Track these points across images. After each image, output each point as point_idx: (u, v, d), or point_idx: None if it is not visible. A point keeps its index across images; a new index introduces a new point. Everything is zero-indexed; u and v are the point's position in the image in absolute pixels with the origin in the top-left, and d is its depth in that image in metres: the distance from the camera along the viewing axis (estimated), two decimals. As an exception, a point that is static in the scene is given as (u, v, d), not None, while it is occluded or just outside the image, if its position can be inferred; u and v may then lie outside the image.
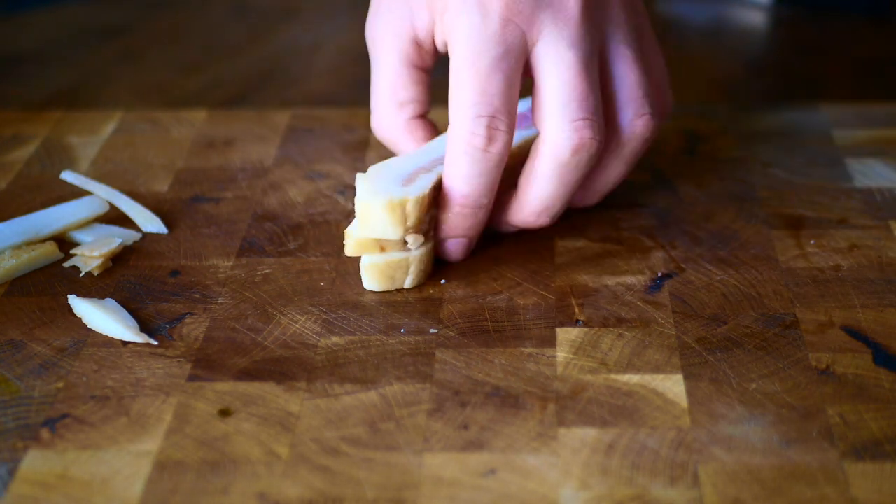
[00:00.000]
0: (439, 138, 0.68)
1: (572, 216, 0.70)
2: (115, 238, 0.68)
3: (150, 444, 0.54)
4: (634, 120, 0.65)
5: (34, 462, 0.53)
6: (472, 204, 0.64)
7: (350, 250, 0.63)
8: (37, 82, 0.94)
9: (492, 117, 0.62)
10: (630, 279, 0.65)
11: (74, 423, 0.55)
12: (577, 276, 0.65)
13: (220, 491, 0.51)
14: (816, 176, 0.75)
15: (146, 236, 0.70)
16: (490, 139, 0.62)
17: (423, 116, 0.69)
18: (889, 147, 0.78)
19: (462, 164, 0.63)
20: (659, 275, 0.65)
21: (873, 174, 0.75)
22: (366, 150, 0.79)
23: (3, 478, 0.52)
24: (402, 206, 0.61)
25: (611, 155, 0.66)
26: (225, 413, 0.56)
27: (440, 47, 0.67)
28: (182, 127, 0.83)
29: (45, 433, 0.55)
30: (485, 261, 0.67)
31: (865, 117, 0.82)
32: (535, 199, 0.65)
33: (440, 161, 0.65)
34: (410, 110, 0.69)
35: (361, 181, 0.63)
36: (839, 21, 1.04)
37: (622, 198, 0.73)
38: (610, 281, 0.65)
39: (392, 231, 0.62)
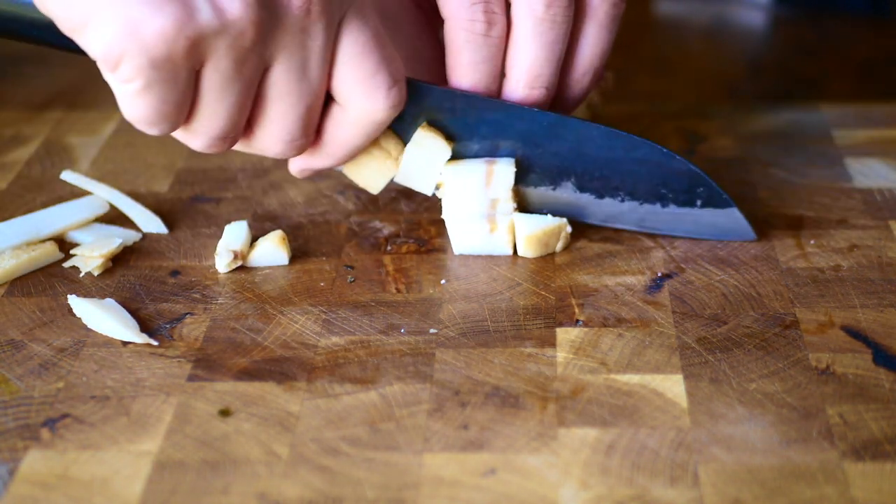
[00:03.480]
0: None
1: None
2: (115, 238, 0.68)
3: (150, 444, 0.54)
4: None
5: (34, 462, 0.53)
6: (481, 92, 0.65)
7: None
8: (37, 82, 0.94)
9: (486, 2, 0.63)
10: (630, 279, 0.65)
11: (74, 423, 0.55)
12: (577, 276, 0.65)
13: (220, 491, 0.51)
14: (816, 176, 0.75)
15: (146, 236, 0.70)
16: (489, 23, 0.63)
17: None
18: (889, 147, 0.78)
19: (467, 53, 0.64)
20: (659, 275, 0.65)
21: (873, 174, 0.75)
22: (366, 150, 0.79)
23: (3, 478, 0.52)
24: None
25: (586, 20, 0.66)
26: (225, 413, 0.56)
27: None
28: (182, 127, 0.83)
29: (45, 433, 0.55)
30: (485, 261, 0.67)
31: (865, 117, 0.82)
32: (524, 69, 0.65)
33: None
34: (438, 69, 0.68)
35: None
36: (839, 21, 1.04)
37: (622, 198, 0.73)
38: (610, 281, 0.65)
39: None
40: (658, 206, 0.66)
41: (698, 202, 0.66)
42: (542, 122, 0.65)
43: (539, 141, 0.65)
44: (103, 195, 0.71)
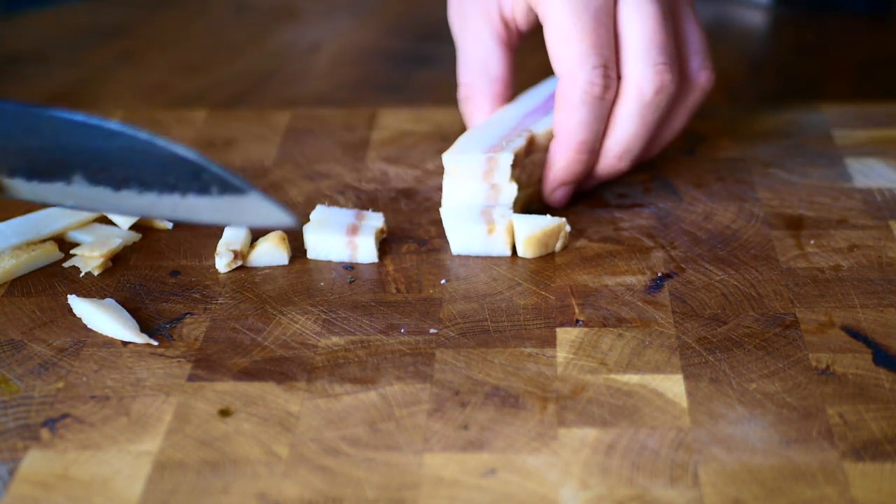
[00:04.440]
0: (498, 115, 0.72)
1: (572, 217, 0.70)
2: (115, 238, 0.68)
3: (150, 444, 0.54)
4: (699, 71, 0.71)
5: (34, 462, 0.53)
6: (589, 149, 0.69)
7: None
8: (37, 82, 0.94)
9: (605, 66, 0.67)
10: (630, 279, 0.65)
11: (74, 423, 0.55)
12: (577, 276, 0.65)
13: (220, 491, 0.51)
14: (816, 176, 0.75)
15: (146, 236, 0.70)
16: (606, 87, 0.67)
17: (508, 99, 0.73)
18: (889, 147, 0.78)
19: (581, 113, 0.67)
20: (659, 275, 0.65)
21: (873, 174, 0.75)
22: (366, 150, 0.79)
23: (3, 478, 0.52)
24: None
25: (677, 103, 0.71)
26: (225, 413, 0.56)
27: (521, 25, 0.71)
28: (182, 127, 0.83)
29: (45, 433, 0.55)
30: (484, 261, 0.67)
31: (865, 117, 0.82)
32: (619, 142, 0.69)
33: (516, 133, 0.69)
34: (501, 88, 0.72)
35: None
36: (839, 21, 1.04)
37: (622, 198, 0.73)
38: (610, 281, 0.65)
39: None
40: (177, 196, 0.58)
41: (213, 189, 0.57)
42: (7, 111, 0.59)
43: (17, 137, 0.59)
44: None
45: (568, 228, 0.67)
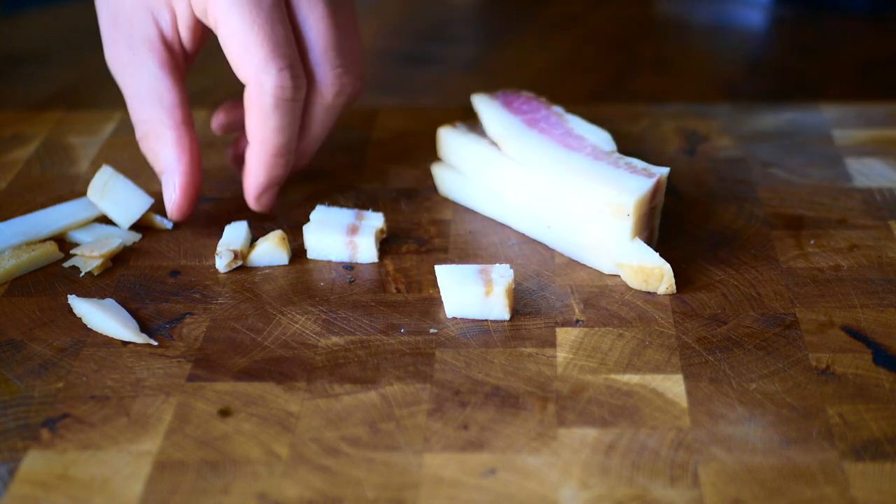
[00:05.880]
0: None
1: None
2: (115, 238, 0.68)
3: (150, 444, 0.54)
4: (330, 72, 0.67)
5: (34, 462, 0.53)
6: (287, 151, 0.67)
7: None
8: (37, 82, 0.94)
9: (292, 67, 0.64)
10: (630, 279, 0.65)
11: (74, 423, 0.55)
12: (577, 276, 0.65)
13: (220, 491, 0.51)
14: (816, 176, 0.75)
15: (146, 236, 0.70)
16: (296, 87, 0.65)
17: (190, 125, 0.69)
18: (889, 147, 0.78)
19: (276, 117, 0.65)
20: (659, 275, 0.65)
21: (873, 174, 0.75)
22: (365, 149, 0.79)
23: (3, 478, 0.52)
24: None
25: (314, 106, 0.68)
26: (225, 413, 0.56)
27: (188, 44, 0.68)
28: (182, 127, 0.83)
29: (45, 433, 0.55)
30: (484, 261, 0.67)
31: (865, 117, 0.82)
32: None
33: None
34: (181, 114, 0.68)
35: None
36: (839, 21, 1.04)
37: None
38: (610, 281, 0.65)
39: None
40: None
41: None
42: None
43: None
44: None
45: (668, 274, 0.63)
